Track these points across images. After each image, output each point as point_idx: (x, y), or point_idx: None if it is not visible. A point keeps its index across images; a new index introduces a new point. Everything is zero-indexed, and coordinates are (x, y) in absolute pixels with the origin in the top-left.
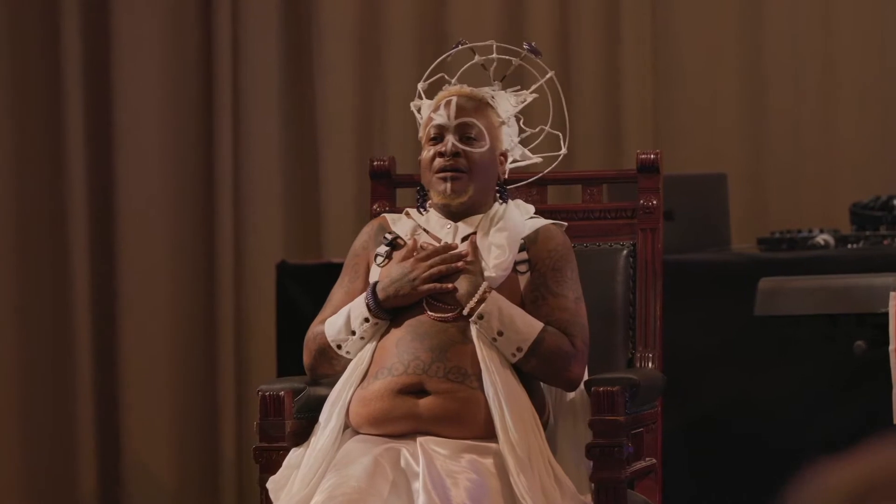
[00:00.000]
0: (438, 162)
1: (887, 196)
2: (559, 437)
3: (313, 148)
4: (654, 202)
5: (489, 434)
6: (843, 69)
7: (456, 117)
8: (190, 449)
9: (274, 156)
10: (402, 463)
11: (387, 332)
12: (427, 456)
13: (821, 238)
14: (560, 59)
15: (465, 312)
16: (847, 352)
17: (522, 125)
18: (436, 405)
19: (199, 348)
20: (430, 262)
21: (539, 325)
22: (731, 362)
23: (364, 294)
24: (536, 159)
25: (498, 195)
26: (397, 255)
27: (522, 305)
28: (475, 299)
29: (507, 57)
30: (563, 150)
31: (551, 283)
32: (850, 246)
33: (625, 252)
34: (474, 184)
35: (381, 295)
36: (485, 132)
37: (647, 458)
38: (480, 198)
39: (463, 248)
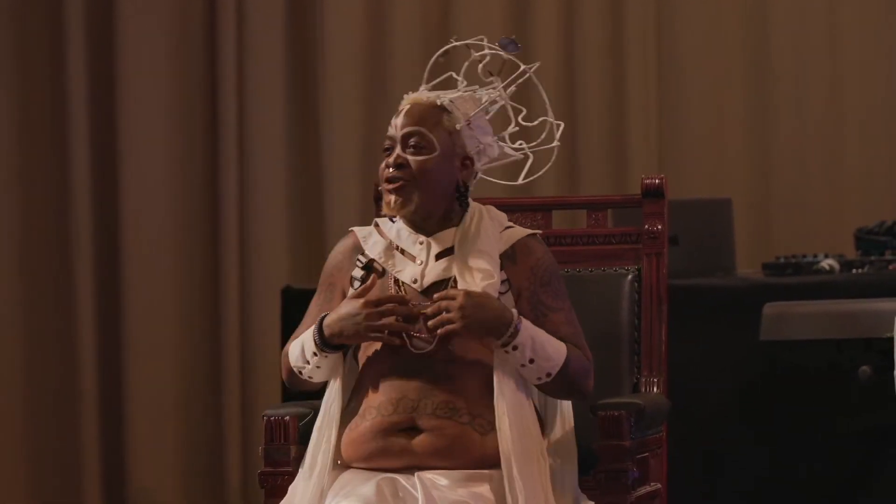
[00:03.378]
0: (385, 173)
1: (892, 221)
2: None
3: (318, 172)
4: (659, 227)
5: (483, 465)
6: (849, 94)
7: (402, 127)
8: (195, 474)
9: (279, 180)
10: (400, 493)
11: (369, 366)
12: (425, 486)
13: (826, 263)
14: (565, 85)
15: (499, 343)
16: (852, 377)
17: (522, 120)
18: (427, 442)
19: (205, 373)
20: (379, 310)
21: (564, 347)
22: (736, 387)
23: (314, 326)
24: (517, 155)
25: (458, 202)
26: (372, 277)
27: None
28: (510, 331)
29: (496, 52)
30: (556, 143)
31: (546, 298)
32: (855, 271)
33: (630, 277)
34: (419, 192)
35: (326, 331)
36: (433, 140)
37: (653, 483)
38: (432, 207)
39: (417, 296)
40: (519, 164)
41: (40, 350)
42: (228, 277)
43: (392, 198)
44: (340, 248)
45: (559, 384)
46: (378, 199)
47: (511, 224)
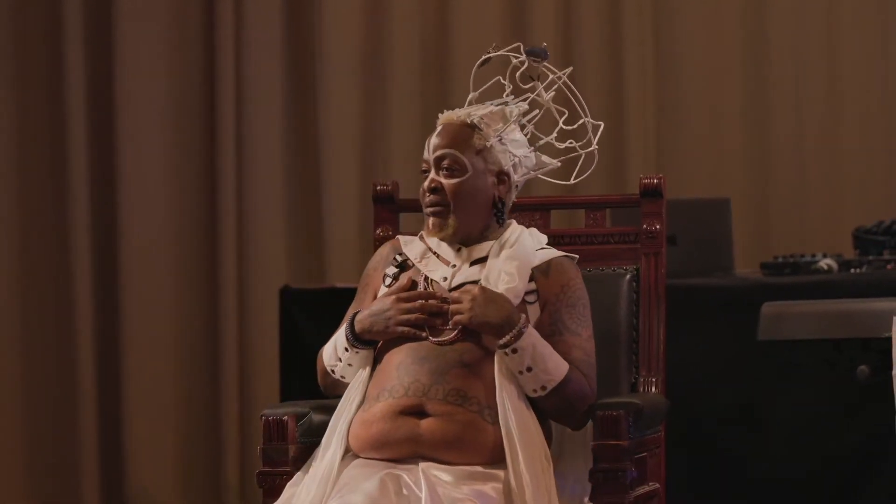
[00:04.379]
0: (424, 198)
1: (890, 221)
2: (559, 466)
3: (316, 173)
4: (658, 227)
5: (491, 459)
6: (847, 94)
7: (434, 150)
8: (194, 473)
9: (277, 181)
10: (405, 490)
11: (387, 353)
12: (429, 483)
13: (824, 263)
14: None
15: (500, 343)
16: (850, 376)
17: (563, 123)
18: (436, 427)
19: (203, 373)
20: (408, 305)
21: (566, 366)
22: (734, 387)
23: (346, 323)
24: (555, 163)
25: (495, 218)
26: (404, 275)
27: None
28: (513, 333)
29: (510, 56)
30: (594, 146)
31: (567, 319)
32: (853, 271)
33: (628, 277)
34: (455, 215)
35: (357, 327)
36: (464, 160)
37: (651, 483)
38: (469, 227)
39: (445, 294)
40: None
41: (39, 350)
42: (227, 277)
43: (431, 221)
44: (381, 251)
45: (554, 401)
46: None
47: (549, 246)
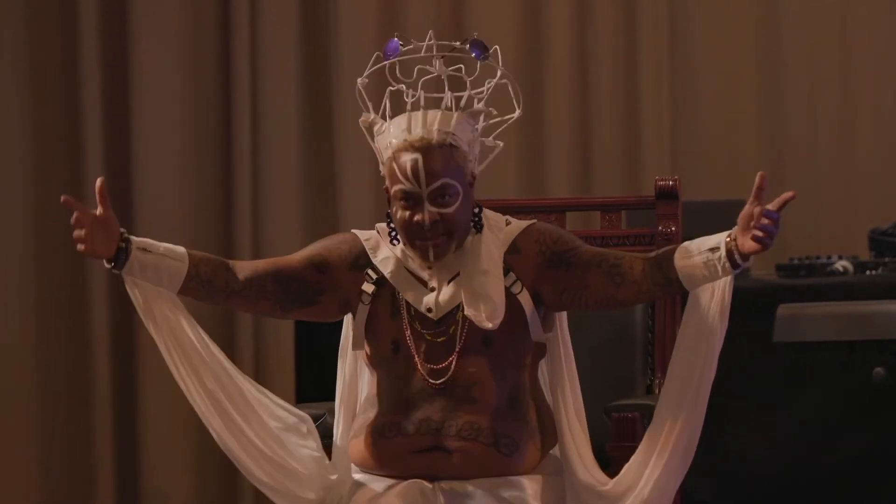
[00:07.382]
0: (417, 230)
1: None
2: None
3: (331, 170)
4: (673, 228)
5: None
6: (862, 95)
7: (427, 184)
8: (208, 473)
9: (292, 179)
10: (422, 498)
11: (392, 382)
12: (446, 493)
13: (839, 264)
14: (579, 86)
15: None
16: (866, 378)
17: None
18: (452, 463)
19: None
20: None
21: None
22: (749, 388)
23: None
24: (498, 145)
25: (472, 225)
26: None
27: (521, 323)
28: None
29: (450, 50)
30: (518, 112)
31: (564, 248)
32: (868, 272)
33: None
34: (456, 239)
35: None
36: (457, 185)
37: None
38: (461, 243)
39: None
40: None
41: (54, 350)
42: None
43: (430, 252)
44: (349, 243)
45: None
46: (389, 216)
47: (509, 220)
